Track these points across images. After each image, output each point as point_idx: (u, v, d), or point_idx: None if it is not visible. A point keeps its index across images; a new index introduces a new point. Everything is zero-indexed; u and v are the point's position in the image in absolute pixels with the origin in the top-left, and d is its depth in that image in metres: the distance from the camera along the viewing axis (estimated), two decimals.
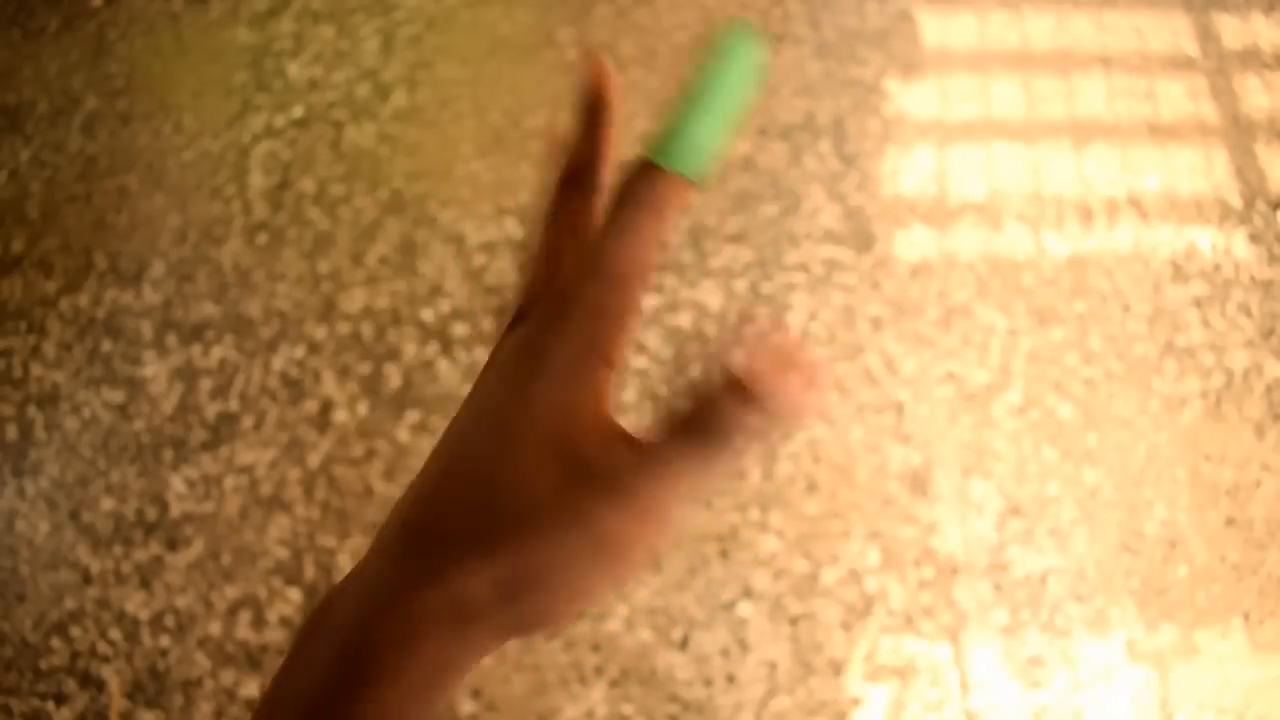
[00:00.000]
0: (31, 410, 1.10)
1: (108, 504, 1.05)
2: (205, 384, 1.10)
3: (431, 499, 0.21)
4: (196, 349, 1.12)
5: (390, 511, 0.22)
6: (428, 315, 1.13)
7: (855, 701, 0.93)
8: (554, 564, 0.20)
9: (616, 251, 0.21)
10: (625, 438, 0.21)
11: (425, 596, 0.20)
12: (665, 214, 0.21)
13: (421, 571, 0.20)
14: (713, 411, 0.19)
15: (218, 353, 1.12)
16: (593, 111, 0.24)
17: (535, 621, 0.20)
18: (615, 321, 0.21)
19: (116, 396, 1.10)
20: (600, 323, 0.20)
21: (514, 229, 1.18)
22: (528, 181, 1.21)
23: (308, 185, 1.22)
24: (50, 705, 0.96)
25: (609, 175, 0.24)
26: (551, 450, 0.20)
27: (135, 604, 1.00)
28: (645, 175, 0.21)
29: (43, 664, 0.98)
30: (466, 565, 0.20)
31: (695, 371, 1.08)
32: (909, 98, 1.26)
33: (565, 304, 0.21)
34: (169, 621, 0.99)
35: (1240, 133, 1.24)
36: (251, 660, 0.96)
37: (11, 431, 1.09)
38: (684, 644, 0.96)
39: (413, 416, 1.07)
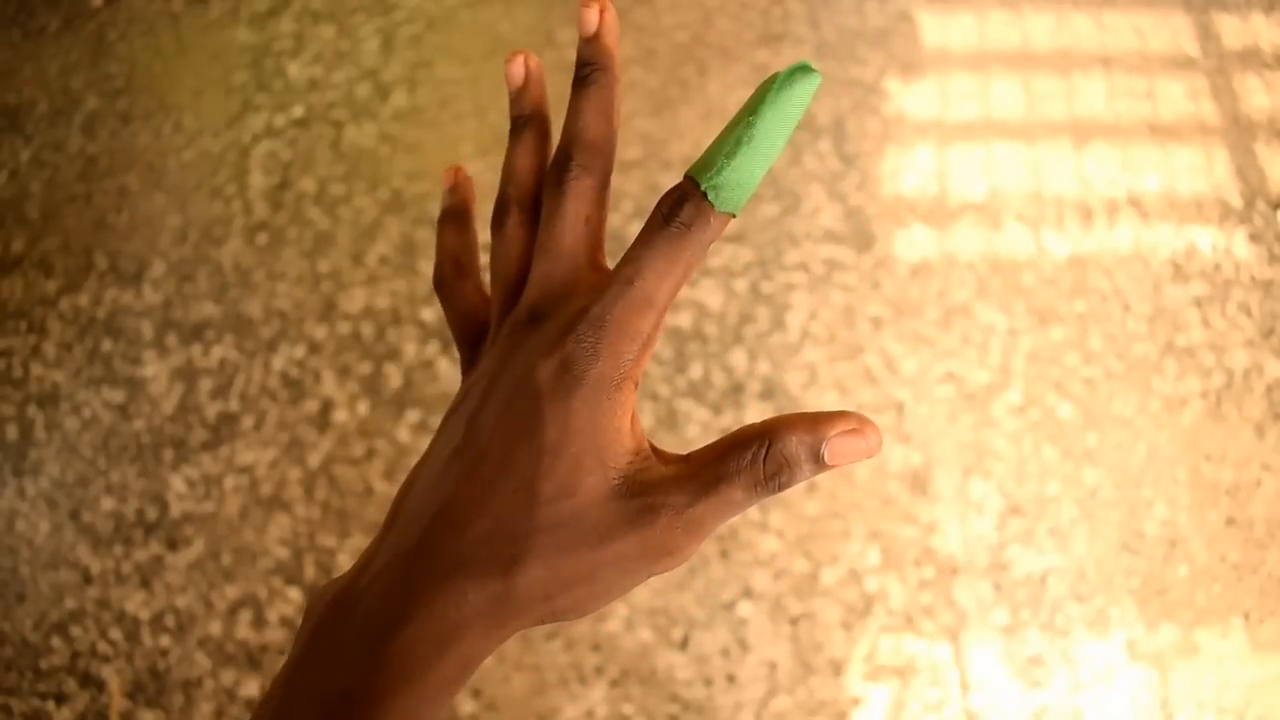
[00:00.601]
0: (32, 410, 1.10)
1: (108, 504, 1.05)
2: (205, 384, 1.10)
3: (461, 500, 0.21)
4: (197, 349, 1.12)
5: (401, 501, 0.22)
6: (428, 315, 1.13)
7: (855, 701, 0.93)
8: (602, 566, 0.21)
9: (656, 277, 0.21)
10: (657, 452, 0.22)
11: (462, 597, 0.20)
12: (707, 248, 0.21)
13: (454, 570, 0.20)
14: (779, 454, 0.21)
15: (218, 352, 1.12)
16: (462, 218, 0.28)
17: (570, 612, 0.21)
18: (644, 344, 0.21)
19: (117, 396, 1.10)
20: (632, 346, 0.21)
21: None
22: None
23: (308, 185, 1.22)
24: (50, 705, 0.96)
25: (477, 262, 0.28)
26: (596, 465, 0.21)
27: (135, 604, 1.00)
28: (698, 207, 0.21)
29: (43, 664, 0.98)
30: (510, 568, 0.20)
31: (696, 371, 1.08)
32: (909, 97, 1.26)
33: (600, 326, 0.21)
34: (169, 621, 0.99)
35: (1241, 132, 1.24)
36: (252, 660, 0.97)
37: (12, 431, 1.09)
38: (684, 644, 0.96)
39: (413, 416, 1.07)
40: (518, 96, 0.26)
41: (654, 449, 0.22)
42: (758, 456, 0.21)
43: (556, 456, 0.21)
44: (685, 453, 0.22)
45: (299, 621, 0.98)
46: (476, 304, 0.26)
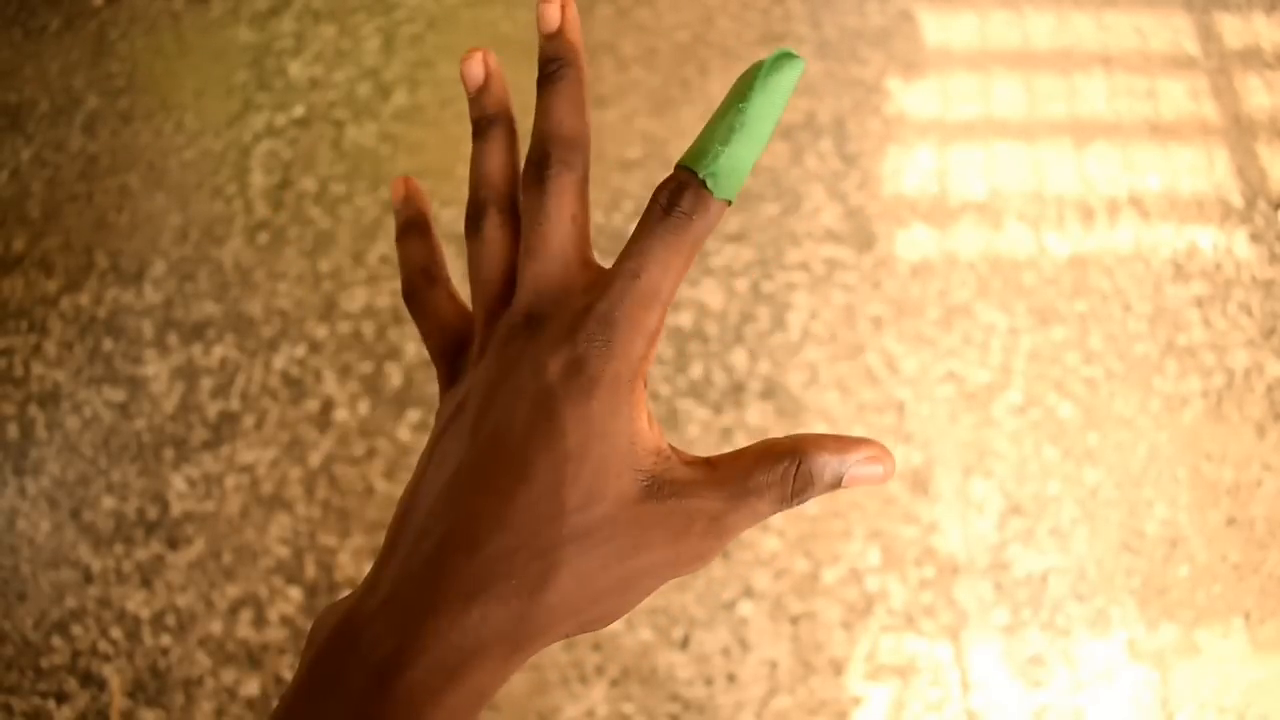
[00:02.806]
0: (32, 409, 1.10)
1: (109, 503, 1.05)
2: (206, 383, 1.10)
3: (477, 515, 0.20)
4: (197, 348, 1.13)
5: (401, 524, 0.21)
6: None
7: (856, 701, 0.93)
8: (637, 574, 0.20)
9: (659, 268, 0.21)
10: (679, 453, 0.22)
11: (483, 622, 0.19)
12: (705, 237, 0.21)
13: (474, 594, 0.19)
14: (806, 471, 0.21)
15: (219, 352, 1.12)
16: (420, 227, 0.27)
17: (596, 624, 0.20)
18: (652, 339, 0.21)
19: (117, 395, 1.10)
20: (642, 341, 0.21)
21: None
22: None
23: (309, 184, 1.22)
24: (51, 704, 0.96)
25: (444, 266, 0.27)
26: (623, 468, 0.20)
27: (136, 603, 1.00)
28: (697, 196, 0.20)
29: (44, 662, 0.98)
30: (538, 584, 0.19)
31: (697, 371, 1.08)
32: (910, 97, 1.26)
33: (609, 323, 0.20)
34: (170, 620, 0.99)
35: (1241, 132, 1.24)
36: (252, 659, 0.97)
37: (12, 430, 1.09)
38: (685, 643, 0.96)
39: (414, 415, 1.07)
40: (478, 96, 0.25)
41: (671, 448, 0.22)
42: (788, 473, 0.21)
43: (581, 462, 0.20)
44: (704, 456, 0.22)
45: (300, 620, 0.98)
46: (453, 313, 0.25)
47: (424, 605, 0.19)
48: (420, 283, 0.26)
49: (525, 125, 1.26)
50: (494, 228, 0.24)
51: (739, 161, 0.20)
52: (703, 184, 0.20)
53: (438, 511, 0.20)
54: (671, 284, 0.21)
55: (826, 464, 0.21)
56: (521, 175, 0.24)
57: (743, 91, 0.20)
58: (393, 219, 1.19)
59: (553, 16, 0.23)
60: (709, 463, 0.22)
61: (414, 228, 0.26)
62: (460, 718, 0.19)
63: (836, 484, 0.21)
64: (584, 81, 0.24)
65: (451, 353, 0.24)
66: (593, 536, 0.20)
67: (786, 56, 0.20)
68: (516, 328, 0.22)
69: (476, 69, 0.25)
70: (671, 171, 0.21)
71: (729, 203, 0.21)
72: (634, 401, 0.21)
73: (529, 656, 0.20)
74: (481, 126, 0.25)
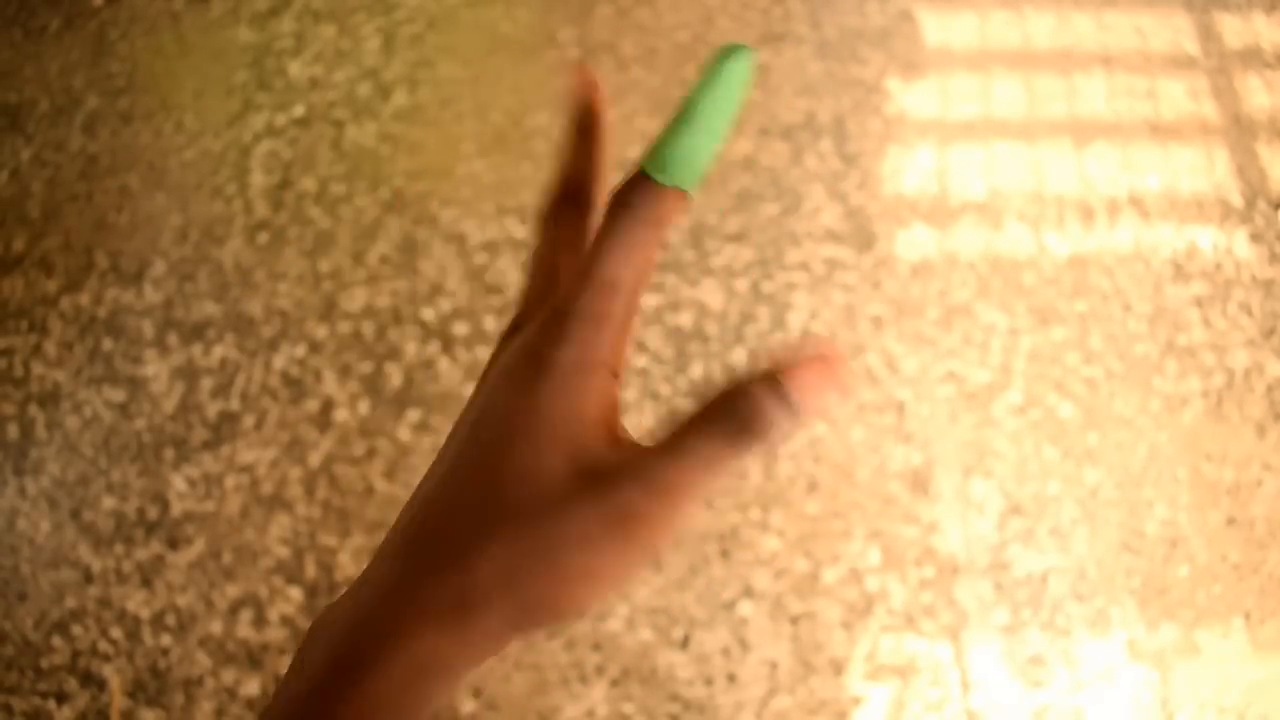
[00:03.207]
0: (33, 409, 1.10)
1: (109, 503, 1.05)
2: (206, 383, 1.10)
3: (434, 500, 0.21)
4: (198, 348, 1.12)
5: (397, 519, 0.23)
6: (429, 314, 1.13)
7: (856, 701, 0.93)
8: (563, 542, 0.20)
9: (614, 261, 0.21)
10: (633, 441, 0.22)
11: (423, 589, 0.20)
12: (660, 225, 0.21)
13: (421, 569, 0.20)
14: (746, 401, 0.20)
15: (219, 352, 1.12)
16: (584, 128, 0.25)
17: (540, 610, 0.20)
18: (614, 329, 0.21)
19: (118, 395, 1.10)
20: (600, 331, 0.21)
21: (515, 228, 1.18)
22: (529, 181, 1.21)
23: (309, 184, 1.22)
24: (51, 704, 0.96)
25: (603, 188, 0.25)
26: (560, 448, 0.20)
27: (136, 603, 1.00)
28: (641, 187, 0.21)
29: (44, 662, 0.98)
30: (468, 553, 0.20)
31: (697, 370, 1.08)
32: (910, 97, 1.26)
33: (565, 313, 0.21)
34: (170, 620, 0.99)
35: (1241, 132, 1.24)
36: (253, 659, 0.97)
37: (13, 430, 1.09)
38: (685, 643, 0.96)
39: (414, 415, 1.07)
40: (584, 103, 0.25)
41: (633, 442, 0.22)
42: (727, 409, 0.20)
43: (523, 440, 0.20)
44: None
45: (300, 620, 0.98)
46: (568, 257, 0.25)
47: (377, 583, 0.20)
48: (561, 200, 0.25)
49: (530, 124, 1.26)
50: (570, 226, 0.25)
51: (687, 150, 0.21)
52: (649, 176, 0.21)
53: (410, 504, 0.22)
54: (631, 275, 0.21)
55: (766, 388, 0.20)
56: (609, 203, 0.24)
57: (691, 89, 0.21)
58: (393, 219, 1.19)
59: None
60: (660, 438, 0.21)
61: (586, 131, 0.25)
62: (410, 684, 0.19)
63: (790, 407, 0.20)
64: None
65: (535, 296, 0.24)
66: (521, 509, 0.20)
67: (733, 49, 0.21)
68: (504, 339, 0.24)
69: (588, 80, 0.25)
70: None
71: (683, 192, 0.21)
72: (590, 387, 0.21)
73: (475, 635, 0.20)
74: (579, 133, 0.25)
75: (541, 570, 0.20)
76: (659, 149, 0.21)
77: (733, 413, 0.20)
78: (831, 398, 0.20)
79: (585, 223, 0.25)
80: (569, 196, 0.25)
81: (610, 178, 1.20)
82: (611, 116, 1.25)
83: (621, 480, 0.20)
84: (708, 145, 0.21)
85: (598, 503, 0.20)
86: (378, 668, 0.19)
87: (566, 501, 0.20)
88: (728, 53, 0.21)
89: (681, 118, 0.21)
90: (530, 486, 0.20)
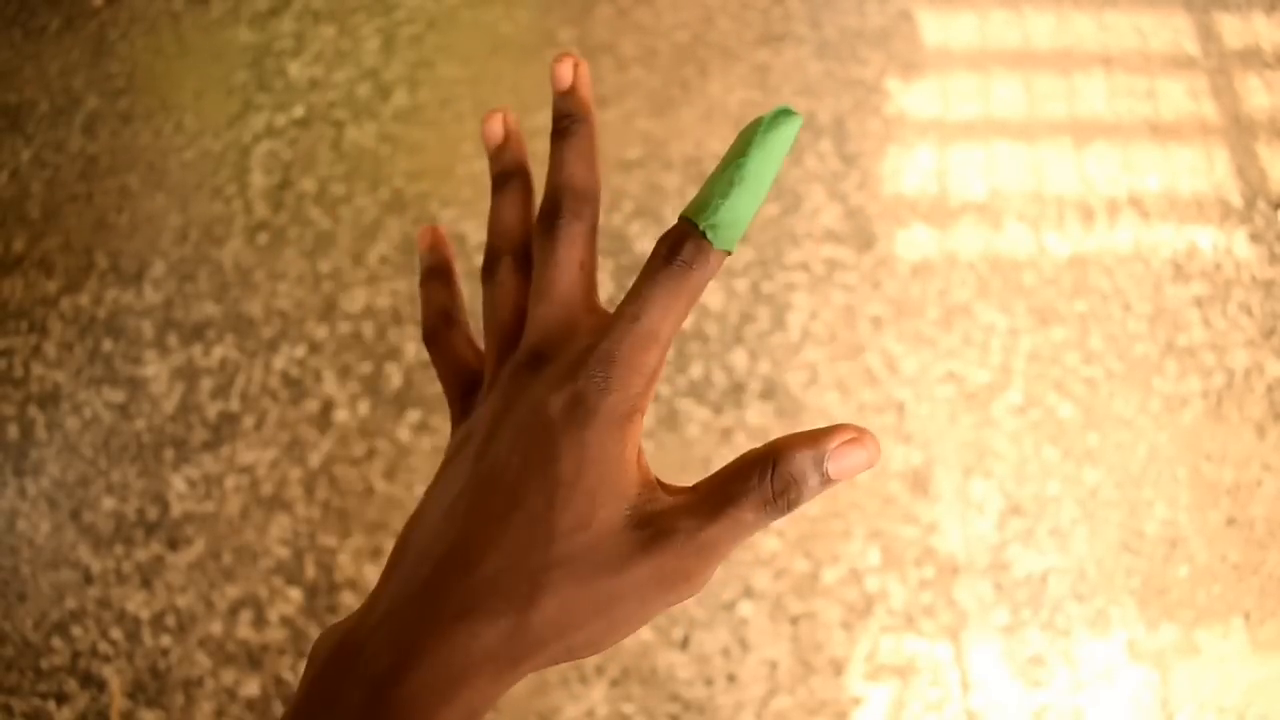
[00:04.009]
0: (32, 410, 1.10)
1: (109, 503, 1.05)
2: (206, 383, 1.10)
3: (472, 539, 0.21)
4: (197, 348, 1.12)
5: (404, 547, 0.22)
6: None
7: (856, 701, 0.93)
8: (620, 598, 0.20)
9: (658, 312, 0.21)
10: (668, 486, 0.22)
11: (473, 639, 0.20)
12: (704, 285, 0.22)
13: (466, 613, 0.20)
14: (788, 469, 0.21)
15: (219, 352, 1.12)
16: (441, 273, 0.28)
17: (585, 649, 0.21)
18: (650, 378, 0.22)
19: (117, 396, 1.10)
20: (640, 378, 0.21)
21: None
22: None
23: (309, 185, 1.22)
24: (51, 705, 0.96)
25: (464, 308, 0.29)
26: (612, 498, 0.21)
27: (136, 603, 1.00)
28: (695, 244, 0.21)
29: (43, 663, 0.98)
30: (526, 603, 0.20)
31: (697, 371, 1.08)
32: (910, 97, 1.26)
33: (610, 360, 0.21)
34: (170, 621, 0.99)
35: (1241, 132, 1.24)
36: (253, 660, 0.97)
37: (12, 431, 1.09)
38: (685, 643, 0.96)
39: (414, 416, 1.07)
40: (498, 153, 0.27)
41: (659, 482, 0.23)
42: (764, 476, 0.21)
43: (572, 489, 0.21)
44: (691, 484, 0.22)
45: (299, 621, 0.98)
46: (468, 355, 0.27)
47: (419, 623, 0.20)
48: (440, 325, 0.27)
49: (530, 124, 1.26)
50: (508, 273, 0.26)
51: (738, 214, 0.21)
52: (703, 235, 0.21)
53: (436, 535, 0.21)
54: (670, 328, 0.22)
55: (803, 459, 0.21)
56: (535, 224, 0.26)
57: (742, 148, 0.21)
58: (393, 219, 1.19)
59: (565, 75, 0.25)
60: (694, 488, 0.22)
61: (438, 273, 0.28)
62: None
63: (822, 476, 0.21)
64: (595, 136, 0.25)
65: (465, 391, 0.26)
66: (578, 561, 0.20)
67: (785, 114, 0.21)
68: (522, 366, 0.23)
69: (496, 128, 0.27)
70: (675, 222, 0.22)
71: (728, 253, 0.22)
72: (627, 437, 0.21)
73: (518, 678, 0.20)
74: (500, 181, 0.27)
75: (594, 622, 0.20)
76: (715, 210, 0.21)
77: (771, 480, 0.21)
78: (861, 470, 0.21)
79: (462, 334, 0.28)
80: (445, 320, 0.28)
81: (611, 178, 1.20)
82: (610, 117, 1.25)
83: (674, 541, 0.21)
84: (754, 209, 0.22)
85: (653, 563, 0.21)
86: (438, 713, 0.19)
87: (624, 560, 0.20)
88: (780, 116, 0.21)
89: (737, 179, 0.21)
90: (585, 538, 0.21)
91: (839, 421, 1.05)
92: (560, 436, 0.21)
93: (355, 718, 0.19)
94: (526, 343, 0.24)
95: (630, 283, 1.11)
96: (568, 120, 0.25)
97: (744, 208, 0.21)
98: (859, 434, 0.21)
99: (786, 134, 0.21)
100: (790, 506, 0.21)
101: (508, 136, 0.27)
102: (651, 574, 0.20)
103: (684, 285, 0.21)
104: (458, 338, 0.27)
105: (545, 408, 0.21)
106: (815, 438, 0.21)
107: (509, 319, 0.25)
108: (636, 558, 0.20)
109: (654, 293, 0.21)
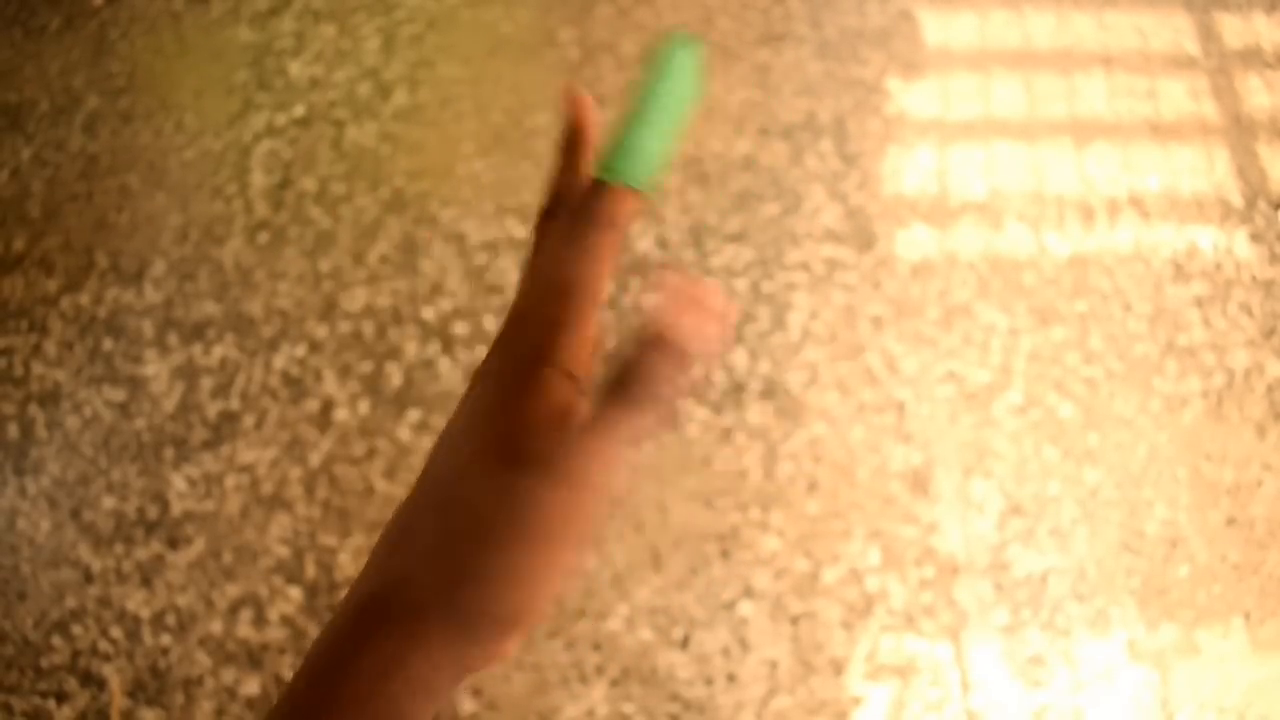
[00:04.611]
0: (33, 409, 1.10)
1: (109, 502, 1.05)
2: (206, 383, 1.10)
3: (404, 515, 0.22)
4: (198, 348, 1.12)
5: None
6: (429, 314, 1.13)
7: (856, 701, 0.93)
8: (486, 548, 0.20)
9: (564, 265, 0.22)
10: (557, 422, 0.21)
11: (377, 599, 0.20)
12: (614, 226, 0.22)
13: (382, 579, 0.21)
14: (636, 369, 0.20)
15: (219, 351, 1.12)
16: (571, 148, 0.26)
17: (481, 618, 0.20)
18: (561, 328, 0.22)
19: (118, 395, 1.10)
20: (545, 331, 0.21)
21: (515, 228, 1.18)
22: (529, 181, 1.21)
23: (309, 184, 1.22)
24: (51, 703, 0.96)
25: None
26: (491, 451, 0.21)
27: (136, 602, 1.00)
28: (594, 191, 0.22)
29: (44, 662, 0.98)
30: (414, 566, 0.21)
31: (697, 370, 1.08)
32: (910, 97, 1.26)
33: (513, 319, 0.22)
34: (170, 620, 0.99)
35: (1241, 132, 1.24)
36: (252, 659, 0.97)
37: (13, 430, 1.09)
38: (685, 643, 0.96)
39: (414, 415, 1.07)
40: (577, 124, 0.26)
41: (562, 419, 0.22)
42: (622, 383, 0.20)
43: (464, 437, 0.21)
44: None
45: (300, 620, 0.98)
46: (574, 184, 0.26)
47: (354, 596, 0.21)
48: (548, 210, 0.26)
49: (530, 124, 1.26)
50: (561, 233, 0.26)
51: (635, 149, 0.21)
52: (602, 181, 0.21)
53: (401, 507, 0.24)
54: (585, 277, 0.22)
55: (651, 360, 0.20)
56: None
57: (640, 81, 0.22)
58: (393, 219, 1.19)
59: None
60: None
61: (572, 143, 0.26)
62: (365, 689, 0.20)
63: (680, 357, 0.19)
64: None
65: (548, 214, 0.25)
66: (456, 504, 0.21)
67: (680, 38, 0.21)
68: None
69: (583, 102, 0.26)
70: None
71: (632, 188, 0.21)
72: (524, 388, 0.21)
73: (427, 645, 0.20)
74: (566, 149, 0.26)
75: (472, 580, 0.20)
76: (609, 150, 0.21)
77: (629, 385, 0.20)
78: (712, 327, 0.20)
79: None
80: (554, 212, 0.26)
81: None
82: (611, 117, 1.25)
83: (528, 481, 0.20)
84: (658, 141, 0.21)
85: (510, 507, 0.20)
86: (343, 670, 0.20)
87: (483, 507, 0.20)
88: (673, 44, 0.21)
89: (628, 115, 0.21)
90: (462, 498, 0.21)
91: (839, 421, 1.06)
92: (462, 403, 0.22)
93: (317, 653, 0.20)
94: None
95: (630, 282, 1.11)
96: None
97: (640, 142, 0.21)
98: (693, 295, 0.20)
99: (681, 61, 0.21)
100: (657, 400, 0.20)
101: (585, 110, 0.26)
102: (513, 523, 0.20)
103: (586, 232, 0.22)
104: (560, 230, 0.26)
105: (469, 389, 0.23)
106: (652, 321, 0.20)
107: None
108: (494, 507, 0.20)
109: (556, 247, 0.22)
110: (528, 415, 0.21)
